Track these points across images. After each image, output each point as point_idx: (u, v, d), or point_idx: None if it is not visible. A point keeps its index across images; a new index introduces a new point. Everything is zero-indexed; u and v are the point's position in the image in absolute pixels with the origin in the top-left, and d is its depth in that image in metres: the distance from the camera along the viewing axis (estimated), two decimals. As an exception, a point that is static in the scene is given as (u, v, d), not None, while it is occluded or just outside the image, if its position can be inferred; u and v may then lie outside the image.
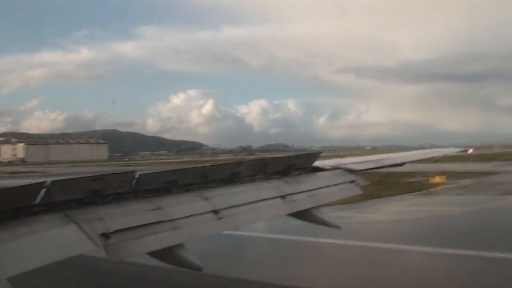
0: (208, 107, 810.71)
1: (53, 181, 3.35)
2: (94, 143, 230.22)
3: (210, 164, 4.67)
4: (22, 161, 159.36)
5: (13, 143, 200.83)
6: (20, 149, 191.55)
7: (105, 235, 3.37)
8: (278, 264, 11.66)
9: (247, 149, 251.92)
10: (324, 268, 11.37)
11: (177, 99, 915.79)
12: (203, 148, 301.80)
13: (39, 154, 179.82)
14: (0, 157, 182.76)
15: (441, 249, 12.82)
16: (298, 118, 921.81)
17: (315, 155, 5.95)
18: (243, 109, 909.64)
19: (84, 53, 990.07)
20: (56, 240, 3.18)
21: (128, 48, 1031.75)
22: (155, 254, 3.73)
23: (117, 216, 3.59)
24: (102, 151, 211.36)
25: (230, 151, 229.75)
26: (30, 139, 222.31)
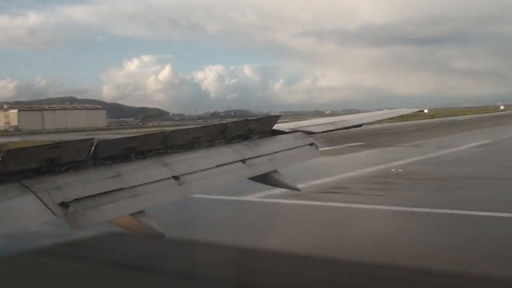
0: (165, 73, 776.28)
1: (7, 151, 3.29)
2: (91, 108, 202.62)
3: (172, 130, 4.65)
4: (17, 130, 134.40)
5: (5, 109, 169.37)
6: (13, 116, 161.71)
7: (64, 204, 3.34)
8: (237, 225, 11.85)
9: (215, 115, 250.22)
10: (281, 228, 11.72)
11: (132, 65, 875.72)
12: (170, 114, 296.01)
13: (34, 121, 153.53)
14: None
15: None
16: (254, 84, 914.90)
17: (274, 118, 5.97)
18: (199, 75, 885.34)
19: (33, 18, 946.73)
20: (13, 210, 3.13)
21: (79, 12, 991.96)
22: (115, 222, 3.75)
23: (76, 185, 3.54)
24: (100, 117, 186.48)
25: (199, 117, 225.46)
26: (22, 105, 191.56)
